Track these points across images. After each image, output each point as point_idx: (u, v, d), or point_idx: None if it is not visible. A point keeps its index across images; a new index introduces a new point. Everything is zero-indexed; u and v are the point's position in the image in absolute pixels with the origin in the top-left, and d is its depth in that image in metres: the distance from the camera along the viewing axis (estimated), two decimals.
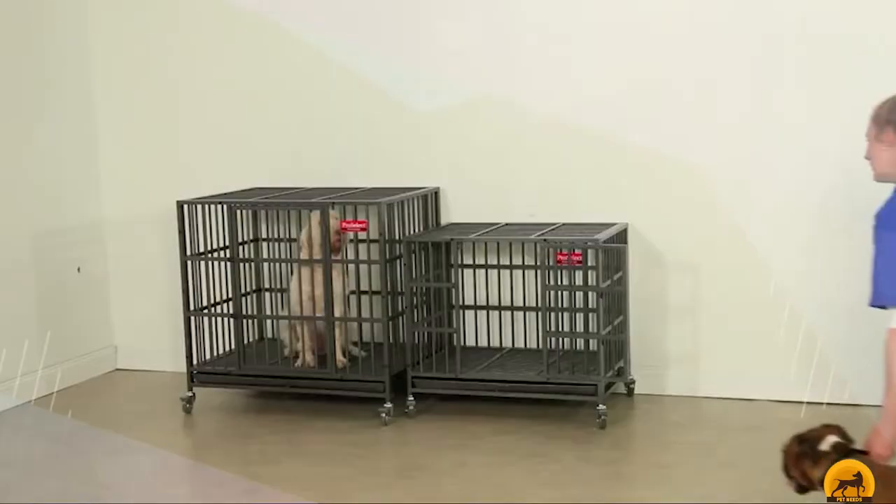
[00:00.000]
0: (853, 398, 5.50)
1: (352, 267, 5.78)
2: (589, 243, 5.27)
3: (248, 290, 6.02)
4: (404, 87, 6.07)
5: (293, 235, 6.02)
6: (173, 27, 6.48)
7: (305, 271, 5.61)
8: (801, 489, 3.59)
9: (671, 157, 5.65)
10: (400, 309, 5.69)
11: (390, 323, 5.59)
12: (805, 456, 3.48)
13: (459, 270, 5.70)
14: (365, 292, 5.82)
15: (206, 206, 5.83)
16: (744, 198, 5.61)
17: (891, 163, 3.43)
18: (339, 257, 5.57)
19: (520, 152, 5.91)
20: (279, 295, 6.19)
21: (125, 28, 6.56)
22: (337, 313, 5.57)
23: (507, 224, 5.85)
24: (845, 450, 3.45)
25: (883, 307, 3.36)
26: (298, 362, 5.73)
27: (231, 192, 6.09)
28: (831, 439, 3.49)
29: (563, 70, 5.81)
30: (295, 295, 5.68)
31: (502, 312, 5.96)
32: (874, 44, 5.32)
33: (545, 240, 5.35)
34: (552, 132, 5.85)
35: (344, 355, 5.68)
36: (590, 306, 5.51)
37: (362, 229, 5.60)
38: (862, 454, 3.49)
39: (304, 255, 5.64)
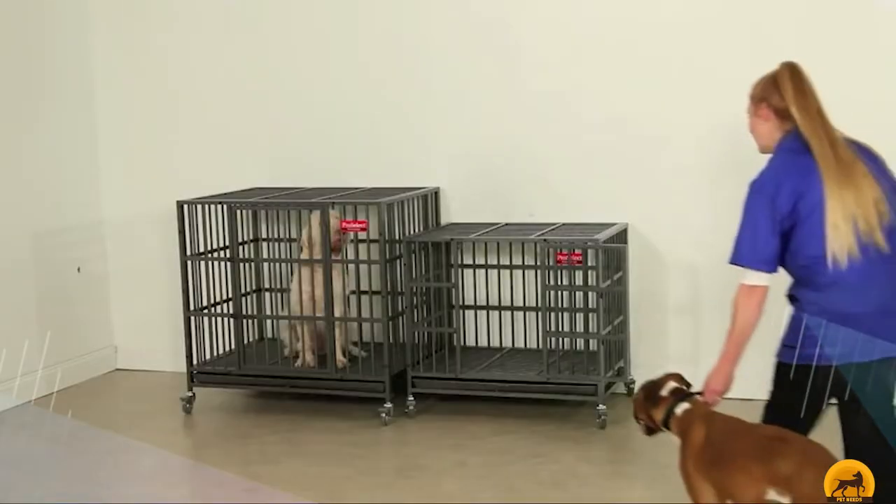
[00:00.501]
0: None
1: (352, 267, 5.79)
2: (589, 243, 5.27)
3: (248, 290, 6.03)
4: (404, 87, 6.08)
5: (293, 235, 6.02)
6: (173, 27, 6.48)
7: (305, 271, 5.61)
8: (649, 431, 3.95)
9: (671, 158, 5.65)
10: (400, 309, 5.69)
11: (390, 323, 5.59)
12: (648, 400, 3.87)
13: (459, 270, 5.70)
14: (365, 292, 5.82)
15: (206, 206, 5.83)
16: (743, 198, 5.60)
17: (768, 136, 3.71)
18: (339, 257, 5.58)
19: (520, 152, 5.91)
20: (279, 295, 6.20)
21: (125, 28, 6.57)
22: (337, 313, 5.57)
23: (507, 224, 5.85)
24: (682, 393, 3.83)
25: (740, 266, 3.67)
26: (298, 362, 5.73)
27: (231, 192, 6.09)
28: (671, 385, 3.85)
29: (563, 70, 5.81)
30: (295, 295, 5.68)
31: (502, 312, 5.96)
32: (876, 43, 5.33)
33: (545, 240, 5.36)
34: (552, 132, 5.85)
35: (344, 355, 5.68)
36: (590, 306, 5.52)
37: (362, 229, 5.60)
38: (697, 395, 3.83)
39: (304, 256, 5.64)
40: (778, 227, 3.56)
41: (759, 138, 3.78)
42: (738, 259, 3.65)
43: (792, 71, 3.66)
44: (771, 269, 3.60)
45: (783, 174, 3.59)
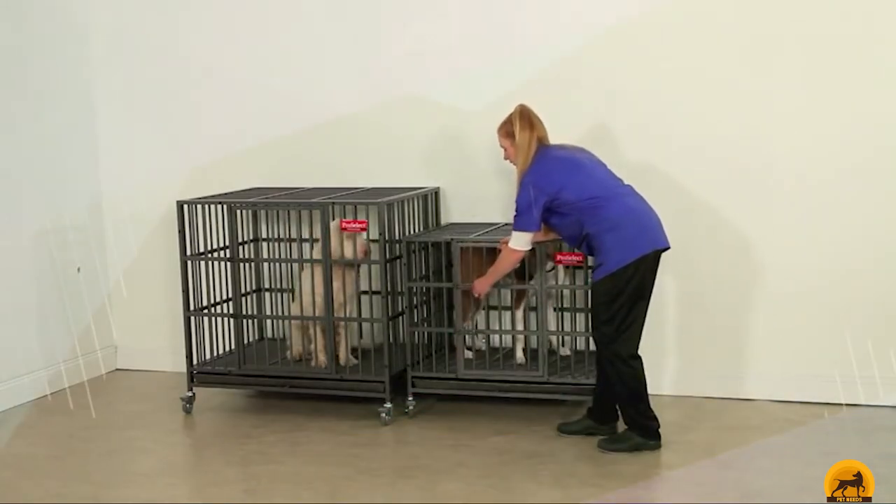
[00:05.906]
0: (852, 398, 5.51)
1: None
2: None
3: (248, 290, 6.03)
4: (403, 87, 6.08)
5: (293, 235, 6.02)
6: (173, 27, 6.48)
7: (319, 271, 5.56)
8: None
9: (670, 158, 5.65)
10: (400, 309, 5.69)
11: (390, 323, 5.59)
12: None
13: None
14: (365, 292, 5.82)
15: (206, 206, 5.83)
16: (743, 199, 5.61)
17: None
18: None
19: None
20: (279, 295, 6.20)
21: (126, 27, 6.57)
22: (352, 313, 5.58)
23: (507, 224, 5.84)
24: None
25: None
26: (312, 363, 5.71)
27: (231, 192, 6.09)
28: None
29: (562, 72, 5.81)
30: (307, 296, 5.64)
31: (502, 312, 5.95)
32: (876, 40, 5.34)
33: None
34: (551, 132, 5.83)
35: (348, 355, 5.68)
36: (589, 306, 5.51)
37: (362, 229, 5.61)
38: None
39: (317, 254, 5.59)
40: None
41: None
42: (516, 227, 5.04)
43: (524, 111, 5.05)
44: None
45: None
